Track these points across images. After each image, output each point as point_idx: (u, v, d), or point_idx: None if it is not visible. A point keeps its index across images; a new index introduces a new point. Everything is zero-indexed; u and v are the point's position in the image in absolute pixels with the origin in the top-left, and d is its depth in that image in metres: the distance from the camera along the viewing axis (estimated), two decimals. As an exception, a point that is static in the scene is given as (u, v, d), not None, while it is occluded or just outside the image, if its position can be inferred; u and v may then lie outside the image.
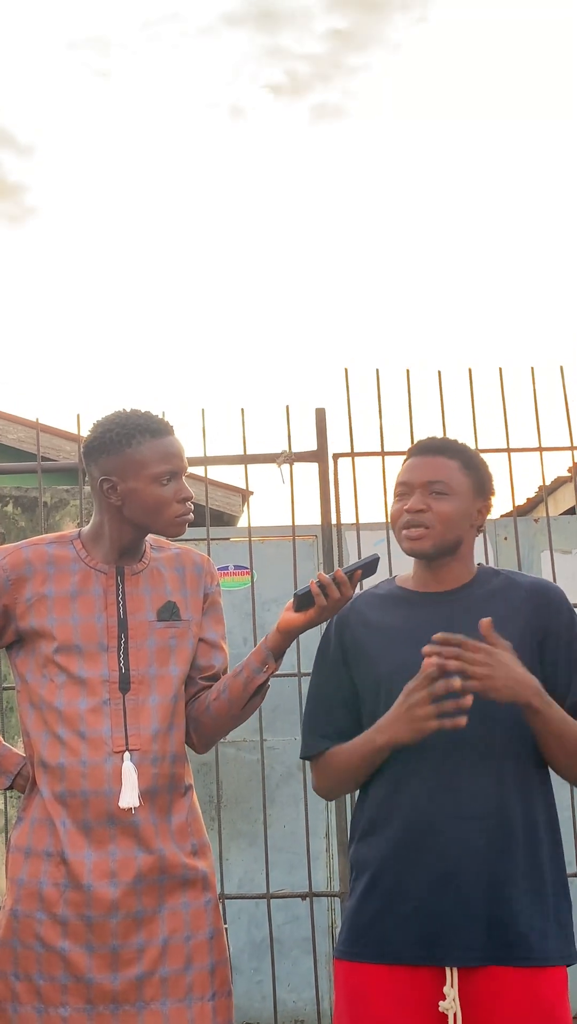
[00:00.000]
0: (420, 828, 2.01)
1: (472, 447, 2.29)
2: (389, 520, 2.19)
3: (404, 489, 2.14)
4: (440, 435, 2.45)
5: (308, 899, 3.86)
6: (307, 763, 2.24)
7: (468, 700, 1.94)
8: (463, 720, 1.93)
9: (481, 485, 2.18)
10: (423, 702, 1.94)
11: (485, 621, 1.97)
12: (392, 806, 2.05)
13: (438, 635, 1.96)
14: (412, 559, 2.19)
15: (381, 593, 2.22)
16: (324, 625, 2.23)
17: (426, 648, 1.95)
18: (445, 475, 2.12)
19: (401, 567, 2.29)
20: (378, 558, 2.15)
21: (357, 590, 2.19)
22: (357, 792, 2.19)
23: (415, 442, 2.25)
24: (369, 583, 2.32)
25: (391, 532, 2.20)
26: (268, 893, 3.78)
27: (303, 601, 2.10)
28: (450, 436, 2.38)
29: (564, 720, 2.01)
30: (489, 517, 2.24)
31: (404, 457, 2.23)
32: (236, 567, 4.96)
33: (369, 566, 2.13)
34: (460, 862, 1.98)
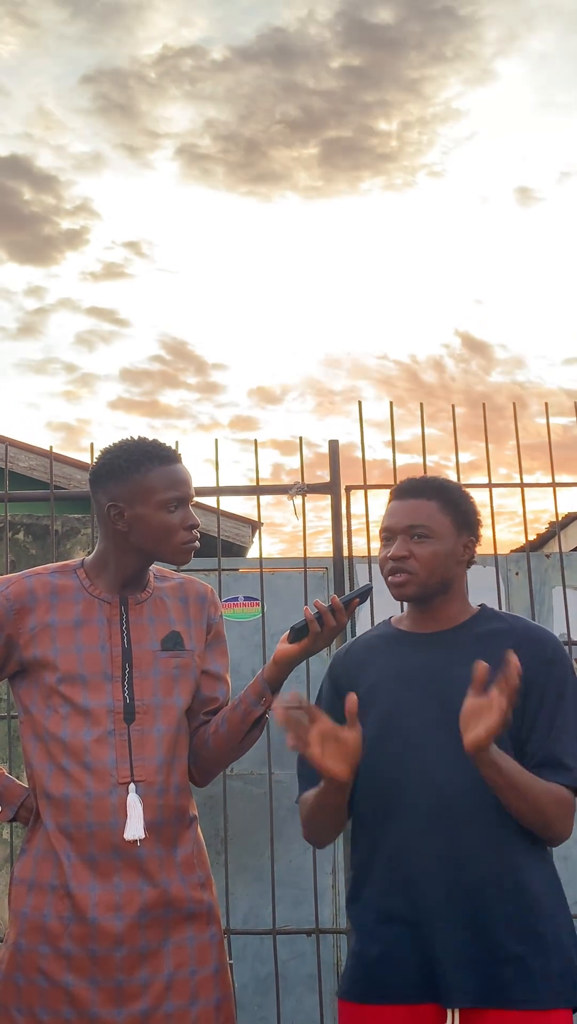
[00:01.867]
0: (410, 873, 2.00)
1: (454, 483, 2.28)
2: (378, 564, 2.19)
3: (387, 535, 2.15)
4: (452, 471, 2.44)
5: (314, 935, 3.81)
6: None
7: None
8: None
9: (464, 521, 2.17)
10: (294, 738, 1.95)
11: (481, 666, 1.94)
12: (397, 845, 2.04)
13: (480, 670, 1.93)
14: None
15: (375, 635, 2.23)
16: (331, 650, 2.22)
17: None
18: (424, 518, 2.12)
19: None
20: (371, 587, 2.17)
21: (368, 618, 2.19)
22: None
23: (398, 484, 2.24)
24: (364, 624, 2.32)
25: None
26: (274, 929, 3.74)
27: (299, 633, 2.11)
28: (432, 475, 2.38)
29: (520, 772, 1.97)
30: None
31: (387, 499, 2.23)
32: (246, 598, 4.95)
33: (364, 595, 2.14)
34: (449, 904, 1.96)
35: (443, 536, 2.12)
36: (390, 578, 2.13)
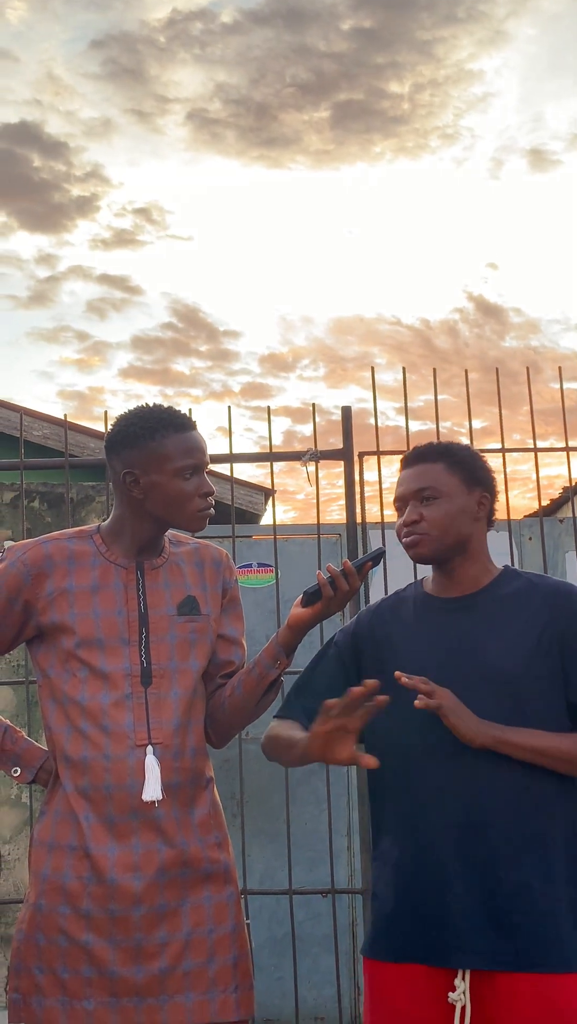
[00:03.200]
0: (429, 834, 2.02)
1: (461, 443, 2.29)
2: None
3: (400, 504, 2.19)
4: (465, 437, 2.46)
5: (329, 896, 3.86)
6: (328, 766, 2.24)
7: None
8: (374, 762, 1.93)
9: (473, 477, 2.18)
10: (318, 734, 1.96)
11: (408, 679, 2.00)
12: (412, 808, 2.06)
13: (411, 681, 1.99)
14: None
15: (406, 596, 2.25)
16: (344, 617, 2.24)
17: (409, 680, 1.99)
18: (430, 480, 2.15)
19: (425, 566, 2.30)
20: (383, 551, 2.19)
21: (380, 581, 2.21)
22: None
23: (403, 455, 2.27)
24: (377, 588, 2.33)
25: None
26: (290, 889, 3.78)
27: (312, 597, 2.12)
28: (475, 438, 2.39)
29: (532, 736, 2.01)
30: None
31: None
32: (259, 565, 4.97)
33: (376, 559, 2.16)
34: (464, 867, 1.99)
35: (452, 495, 2.14)
36: (405, 540, 2.16)
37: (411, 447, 3.81)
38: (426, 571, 2.30)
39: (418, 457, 2.20)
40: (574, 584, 2.21)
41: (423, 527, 2.13)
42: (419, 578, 2.31)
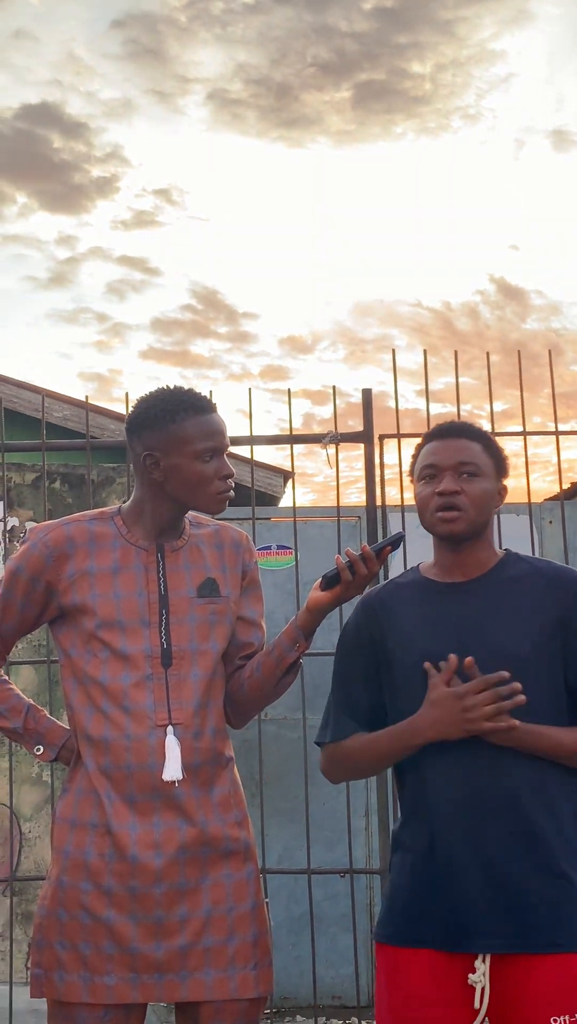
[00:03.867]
0: (448, 818, 2.03)
1: (516, 432, 2.28)
2: (416, 504, 2.17)
3: (432, 471, 2.13)
4: (485, 420, 2.45)
5: (348, 876, 3.88)
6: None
7: (521, 699, 1.97)
8: (515, 722, 1.96)
9: (501, 466, 2.18)
10: (484, 703, 1.97)
11: (453, 658, 2.02)
12: (424, 794, 2.07)
13: (454, 663, 2.01)
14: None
15: (404, 582, 2.22)
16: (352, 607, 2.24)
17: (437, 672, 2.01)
18: (473, 456, 2.12)
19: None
20: (403, 535, 2.17)
21: (400, 566, 2.20)
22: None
23: (434, 426, 2.24)
24: (396, 572, 2.32)
25: None
26: (308, 869, 3.81)
27: (331, 581, 2.13)
28: (496, 421, 2.38)
29: (542, 736, 2.02)
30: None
31: (418, 443, 2.22)
32: (279, 547, 4.98)
33: (396, 543, 2.14)
34: (483, 852, 2.00)
35: (488, 476, 2.13)
36: (440, 513, 2.09)
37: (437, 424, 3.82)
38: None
39: (458, 431, 2.17)
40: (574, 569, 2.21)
41: (463, 501, 2.09)
42: (417, 564, 2.30)
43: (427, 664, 2.03)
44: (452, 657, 2.00)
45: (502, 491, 2.18)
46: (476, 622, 2.07)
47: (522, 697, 1.96)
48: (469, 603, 2.10)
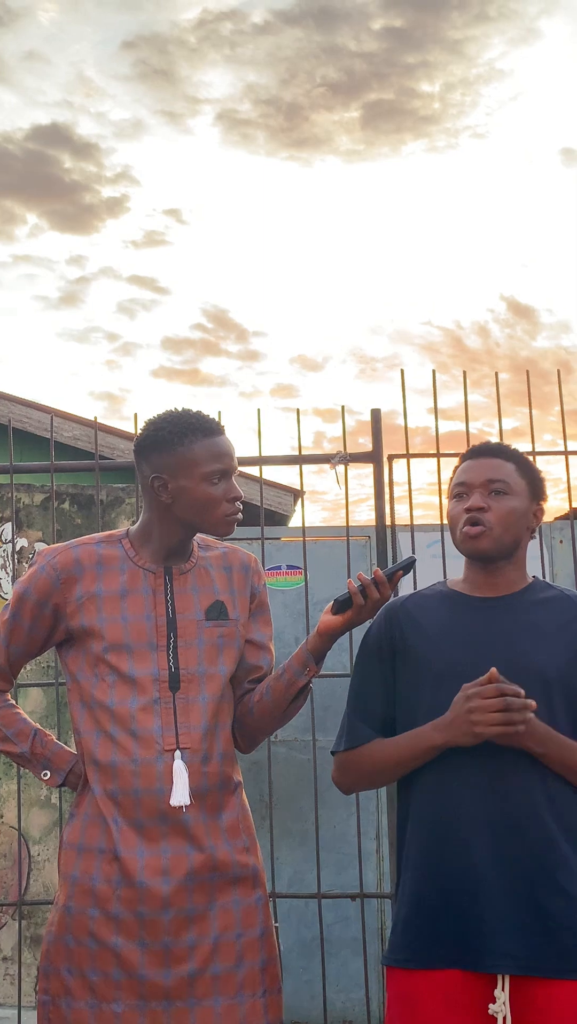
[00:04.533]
0: (461, 836, 2.01)
1: (524, 451, 2.28)
2: (447, 521, 2.20)
3: (462, 489, 2.15)
4: (495, 438, 2.45)
5: (358, 900, 3.85)
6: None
7: (533, 704, 1.96)
8: (523, 726, 1.94)
9: (536, 488, 2.19)
10: (489, 708, 1.95)
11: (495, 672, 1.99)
12: (432, 814, 2.06)
13: (493, 673, 1.97)
14: (462, 562, 2.18)
15: (430, 594, 2.23)
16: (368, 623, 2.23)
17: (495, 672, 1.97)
18: (504, 475, 2.14)
19: (455, 571, 2.28)
20: (415, 559, 2.17)
21: (410, 590, 2.20)
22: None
23: (470, 446, 2.25)
24: (420, 584, 2.32)
25: (446, 533, 2.20)
26: (319, 893, 3.78)
27: (343, 605, 2.12)
28: (506, 439, 2.38)
29: (563, 749, 2.01)
30: (545, 520, 2.23)
31: (456, 462, 2.24)
32: (288, 567, 4.97)
33: (407, 567, 2.14)
34: (501, 870, 1.97)
35: (520, 496, 2.14)
36: (466, 529, 2.11)
37: (441, 448, 3.83)
38: (453, 576, 2.28)
39: (492, 451, 2.19)
40: None
41: (489, 519, 2.10)
42: (444, 579, 2.29)
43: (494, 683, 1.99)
44: (493, 670, 1.98)
45: (538, 512, 2.19)
46: (505, 637, 2.06)
47: (533, 702, 1.95)
48: (498, 618, 2.10)
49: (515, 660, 2.03)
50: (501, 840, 1.98)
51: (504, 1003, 1.94)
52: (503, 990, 1.94)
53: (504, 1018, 1.93)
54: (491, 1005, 1.94)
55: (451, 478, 2.23)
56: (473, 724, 1.96)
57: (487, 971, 1.95)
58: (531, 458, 3.81)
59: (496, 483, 2.13)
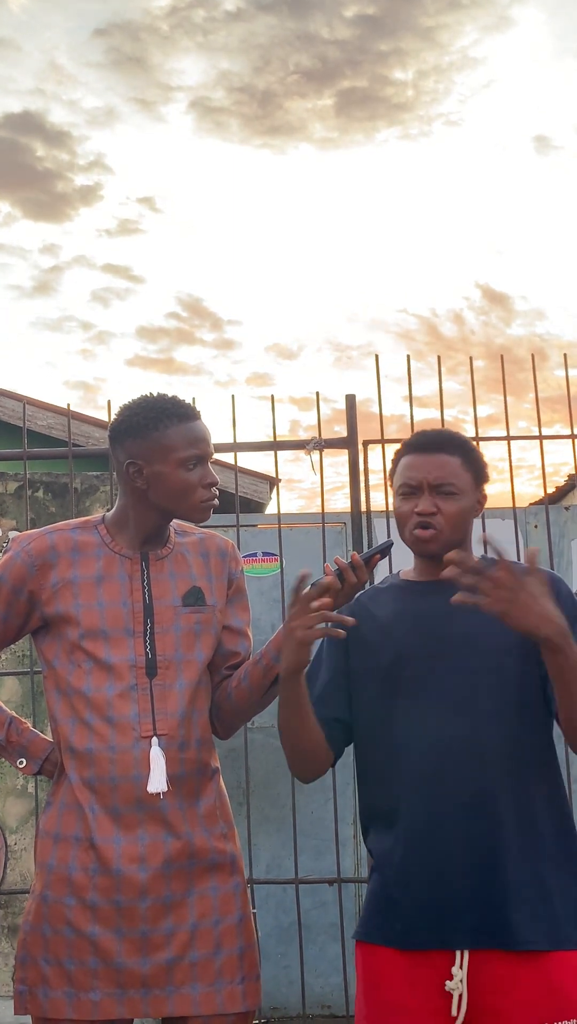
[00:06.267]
0: (418, 816, 2.01)
1: (465, 436, 2.25)
2: (395, 516, 2.16)
3: (409, 490, 2.12)
4: (470, 425, 2.43)
5: (336, 885, 3.86)
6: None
7: (349, 622, 2.00)
8: (341, 632, 1.96)
9: (479, 476, 2.16)
10: (300, 614, 1.97)
11: (532, 549, 1.94)
12: (388, 797, 2.06)
13: (452, 553, 1.91)
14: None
15: (384, 587, 2.23)
16: None
17: (446, 572, 1.91)
18: (450, 475, 2.10)
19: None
20: (391, 543, 2.16)
21: (387, 573, 2.19)
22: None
23: (412, 436, 2.21)
24: (396, 568, 2.31)
25: None
26: (296, 878, 3.78)
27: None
28: (481, 426, 2.36)
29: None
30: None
31: (396, 451, 2.20)
32: (264, 554, 4.96)
33: (384, 551, 2.13)
34: (457, 848, 1.98)
35: (466, 492, 2.12)
36: (417, 531, 2.10)
37: (417, 432, 3.81)
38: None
39: (436, 446, 2.14)
40: (568, 583, 2.19)
41: (439, 521, 2.09)
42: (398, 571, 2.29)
43: (452, 554, 1.92)
44: (452, 555, 1.91)
45: (482, 499, 2.17)
46: (455, 615, 2.04)
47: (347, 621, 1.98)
48: (447, 598, 2.09)
49: (467, 635, 2.04)
50: (459, 817, 1.98)
51: (461, 980, 1.94)
52: (460, 967, 1.95)
53: (460, 996, 1.94)
54: (448, 983, 1.95)
55: (392, 465, 2.20)
56: (292, 636, 1.96)
57: (444, 947, 1.96)
58: (506, 444, 3.84)
59: (444, 486, 2.09)
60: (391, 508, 3.86)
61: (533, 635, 1.90)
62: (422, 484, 2.11)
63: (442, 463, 2.11)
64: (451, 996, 1.95)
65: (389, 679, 2.06)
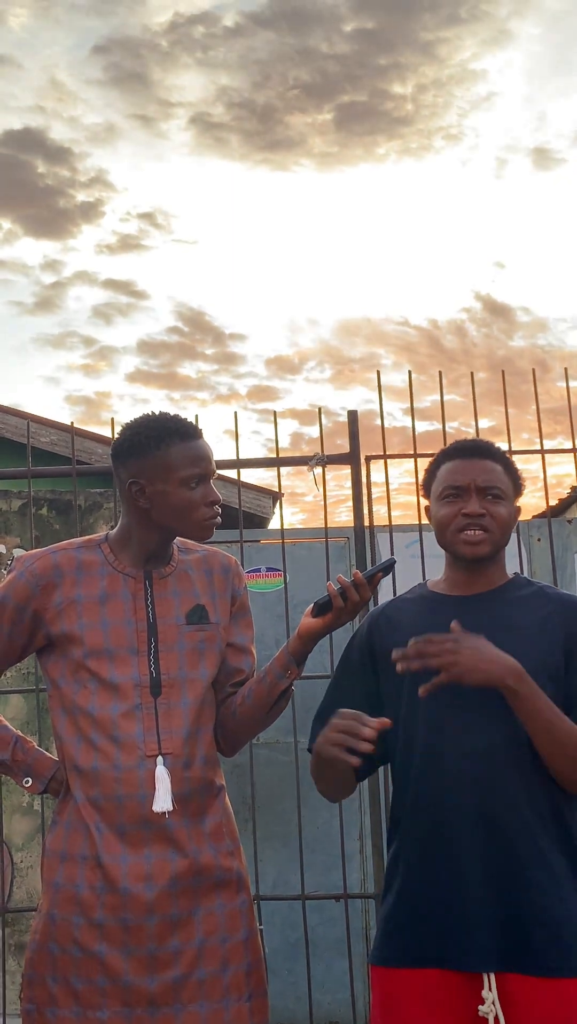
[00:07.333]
0: (438, 838, 2.01)
1: (503, 448, 2.27)
2: (433, 523, 2.16)
3: (455, 492, 2.12)
4: (473, 437, 2.44)
5: (342, 901, 3.85)
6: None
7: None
8: (356, 760, 1.95)
9: (517, 486, 2.19)
10: (333, 739, 1.97)
11: (454, 624, 1.99)
12: (410, 814, 2.07)
13: (411, 641, 1.97)
14: (442, 562, 2.18)
15: (411, 597, 2.23)
16: (353, 625, 2.23)
17: (400, 652, 1.97)
18: (497, 479, 2.12)
19: (435, 571, 2.29)
20: (394, 561, 2.16)
21: (390, 592, 2.20)
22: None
23: (454, 443, 2.23)
24: (400, 588, 2.32)
25: (425, 533, 2.20)
26: (303, 894, 3.78)
27: (323, 608, 2.12)
28: (483, 439, 2.36)
29: (552, 710, 1.97)
30: (522, 518, 2.23)
31: (434, 458, 2.22)
32: (268, 569, 4.96)
33: (387, 569, 2.14)
34: (478, 870, 1.97)
35: (509, 499, 2.14)
36: (466, 534, 2.09)
37: (418, 448, 3.84)
38: (433, 577, 2.28)
39: (482, 452, 2.16)
40: (572, 595, 2.20)
41: (490, 524, 2.09)
42: (425, 580, 2.29)
43: (395, 652, 1.99)
44: (395, 653, 1.98)
45: (516, 512, 2.19)
46: (485, 632, 2.03)
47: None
48: (475, 615, 2.08)
49: None
50: (482, 839, 1.98)
51: (493, 1002, 1.92)
52: (490, 990, 1.93)
53: (495, 1017, 1.91)
54: (480, 1007, 1.92)
55: (429, 472, 2.20)
56: (324, 739, 1.99)
57: (470, 970, 1.94)
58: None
59: (493, 489, 2.11)
60: (394, 522, 3.88)
61: (494, 686, 1.95)
62: (469, 487, 2.11)
63: (488, 468, 2.13)
64: (479, 1019, 1.92)
65: (415, 693, 2.04)
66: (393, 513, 3.90)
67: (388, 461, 3.89)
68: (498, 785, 1.99)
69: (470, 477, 2.11)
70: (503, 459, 2.17)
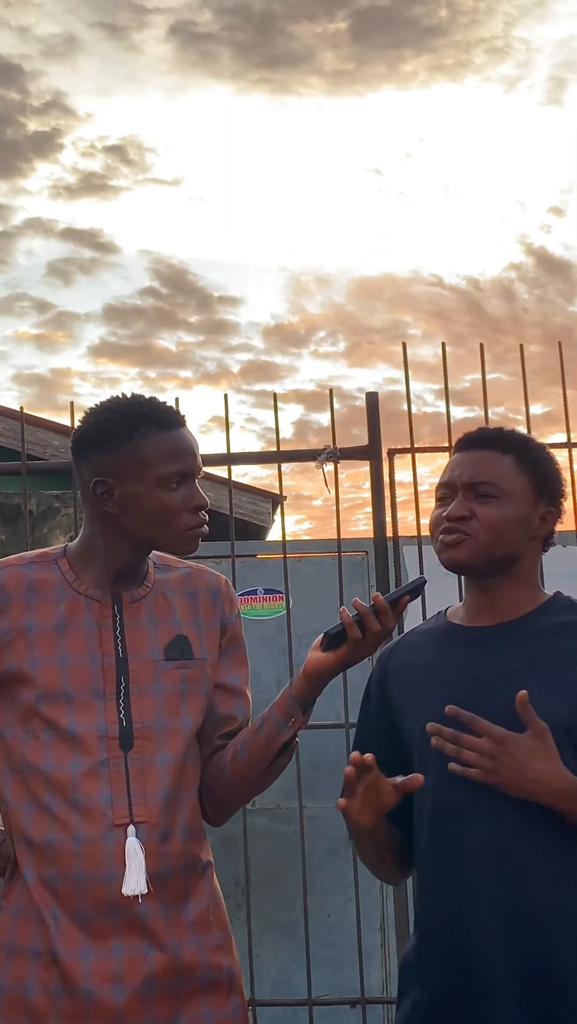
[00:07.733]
0: (472, 935, 2.04)
1: (536, 441, 2.28)
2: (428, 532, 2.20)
3: (445, 492, 2.16)
4: (522, 427, 2.45)
5: (359, 1007, 3.85)
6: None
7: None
8: (369, 820, 2.02)
9: (544, 485, 2.18)
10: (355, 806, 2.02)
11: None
12: (424, 910, 2.12)
13: (448, 708, 1.99)
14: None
15: (426, 629, 2.26)
16: (372, 662, 2.24)
17: (429, 726, 2.00)
18: (494, 474, 2.13)
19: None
20: (424, 581, 2.17)
21: (419, 619, 2.21)
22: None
23: (462, 436, 2.25)
24: (430, 610, 2.33)
25: None
26: (309, 999, 3.78)
27: (335, 639, 2.11)
28: (534, 427, 2.38)
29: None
30: (565, 527, 2.24)
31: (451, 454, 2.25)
32: (266, 591, 4.97)
33: (415, 591, 2.14)
34: (516, 959, 2.00)
35: (515, 498, 2.14)
36: (442, 537, 2.12)
37: (453, 440, 3.83)
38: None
39: (484, 442, 2.18)
40: None
41: (472, 526, 2.10)
42: (446, 608, 2.30)
43: (430, 725, 2.02)
44: (430, 726, 2.01)
45: (547, 517, 2.18)
46: (504, 675, 2.06)
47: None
48: (495, 651, 2.11)
49: (508, 704, 2.02)
50: (517, 932, 2.01)
51: None
52: None
53: None
54: None
55: (441, 475, 2.24)
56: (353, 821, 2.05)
57: None
58: (567, 451, 3.85)
59: (483, 485, 2.12)
60: (423, 533, 3.89)
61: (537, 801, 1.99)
62: (457, 484, 2.14)
63: (485, 460, 2.15)
64: None
65: (425, 754, 2.07)
66: (422, 521, 3.91)
67: (416, 456, 3.89)
68: (525, 866, 2.03)
69: (459, 472, 2.15)
70: (520, 449, 2.18)
